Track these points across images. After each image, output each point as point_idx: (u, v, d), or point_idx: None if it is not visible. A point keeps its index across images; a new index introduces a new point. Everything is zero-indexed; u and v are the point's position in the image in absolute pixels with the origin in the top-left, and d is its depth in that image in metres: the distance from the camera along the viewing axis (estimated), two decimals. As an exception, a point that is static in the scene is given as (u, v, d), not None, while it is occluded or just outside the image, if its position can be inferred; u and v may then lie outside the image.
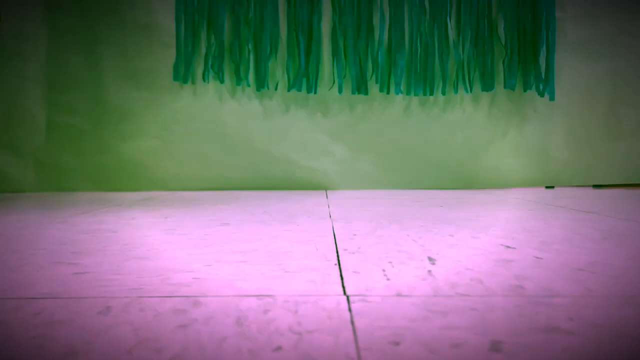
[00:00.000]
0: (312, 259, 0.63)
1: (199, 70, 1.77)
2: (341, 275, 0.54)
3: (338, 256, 0.64)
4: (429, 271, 0.56)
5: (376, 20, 1.79)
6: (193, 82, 1.77)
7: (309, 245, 0.72)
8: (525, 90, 1.83)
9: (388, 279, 0.53)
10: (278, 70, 1.79)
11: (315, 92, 1.79)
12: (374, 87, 1.81)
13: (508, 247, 0.70)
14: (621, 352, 0.35)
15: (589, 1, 1.84)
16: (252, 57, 1.78)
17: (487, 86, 1.82)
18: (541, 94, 1.82)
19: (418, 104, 1.84)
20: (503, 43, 1.82)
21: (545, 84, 1.82)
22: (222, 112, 1.79)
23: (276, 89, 1.80)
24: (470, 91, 1.82)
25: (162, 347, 0.35)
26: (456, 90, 1.82)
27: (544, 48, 1.82)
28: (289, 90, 1.79)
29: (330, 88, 1.80)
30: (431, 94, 1.81)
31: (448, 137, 1.84)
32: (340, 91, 1.79)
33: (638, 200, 1.43)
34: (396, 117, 1.83)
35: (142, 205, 1.29)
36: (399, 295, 0.47)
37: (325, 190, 1.76)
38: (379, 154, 1.84)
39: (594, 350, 0.35)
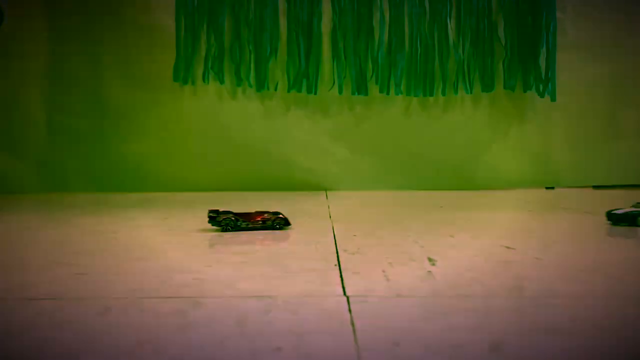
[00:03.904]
0: (312, 259, 0.63)
1: (199, 71, 1.76)
2: (341, 276, 0.54)
3: (338, 257, 0.64)
4: (429, 272, 0.56)
5: (376, 21, 1.79)
6: (193, 83, 1.77)
7: (309, 246, 0.72)
8: (525, 91, 1.83)
9: (388, 280, 0.53)
10: (278, 70, 1.79)
11: (315, 93, 1.79)
12: (374, 88, 1.81)
13: (508, 248, 0.70)
14: (621, 352, 0.35)
15: (590, 2, 1.84)
16: (252, 57, 1.78)
17: (487, 87, 1.81)
18: (541, 95, 1.82)
19: (418, 104, 1.84)
20: (503, 44, 1.81)
21: (545, 85, 1.82)
22: (222, 113, 1.78)
23: (276, 89, 1.79)
24: (471, 92, 1.82)
25: (163, 348, 0.35)
26: (456, 91, 1.81)
27: (544, 49, 1.82)
28: (289, 91, 1.79)
29: (330, 88, 1.80)
30: (431, 94, 1.81)
31: (448, 138, 1.83)
32: (340, 92, 1.79)
33: (638, 201, 1.43)
34: (396, 118, 1.83)
35: (142, 206, 1.29)
36: (399, 296, 0.47)
37: (325, 191, 1.76)
38: (379, 155, 1.83)
39: (594, 351, 0.35)
